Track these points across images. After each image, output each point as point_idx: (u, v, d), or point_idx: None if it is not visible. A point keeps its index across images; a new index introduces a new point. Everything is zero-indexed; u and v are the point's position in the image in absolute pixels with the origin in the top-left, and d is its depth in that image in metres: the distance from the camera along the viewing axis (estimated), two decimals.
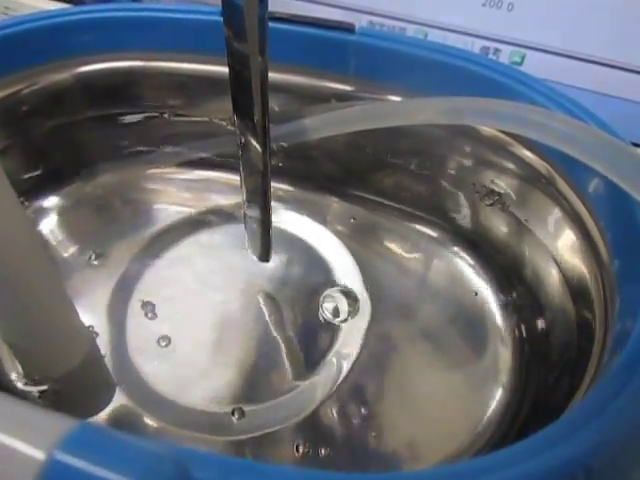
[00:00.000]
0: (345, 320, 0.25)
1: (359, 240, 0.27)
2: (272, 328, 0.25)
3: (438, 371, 0.22)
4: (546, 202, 0.20)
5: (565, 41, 0.26)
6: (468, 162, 0.24)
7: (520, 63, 0.28)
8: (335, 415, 0.21)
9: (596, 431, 0.12)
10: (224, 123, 0.28)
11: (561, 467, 0.11)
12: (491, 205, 0.23)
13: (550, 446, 0.12)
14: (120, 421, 0.20)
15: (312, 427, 0.21)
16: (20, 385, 0.19)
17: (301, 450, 0.20)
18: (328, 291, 0.26)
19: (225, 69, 0.26)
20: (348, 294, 0.26)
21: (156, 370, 0.22)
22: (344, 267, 0.27)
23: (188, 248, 0.27)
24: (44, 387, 0.17)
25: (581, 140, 0.17)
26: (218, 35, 0.25)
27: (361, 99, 0.25)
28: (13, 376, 0.19)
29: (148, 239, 0.27)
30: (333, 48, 0.23)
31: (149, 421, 0.21)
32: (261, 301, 0.26)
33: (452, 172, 0.25)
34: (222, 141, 0.27)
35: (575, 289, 0.18)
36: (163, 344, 0.23)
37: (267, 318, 0.25)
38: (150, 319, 0.24)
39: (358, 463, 0.20)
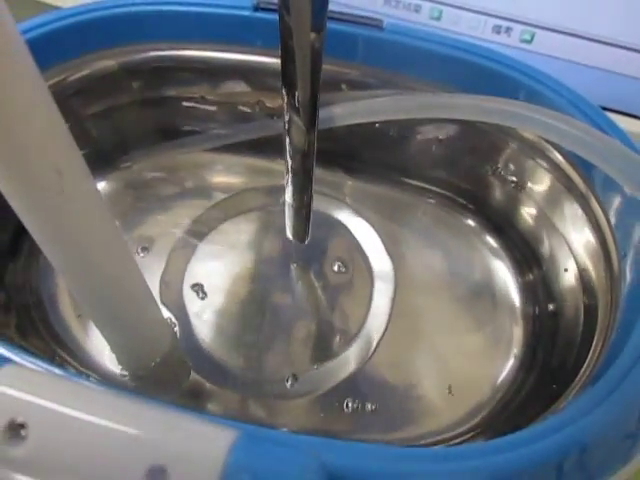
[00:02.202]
0: (371, 291, 0.28)
1: (383, 217, 0.30)
2: (308, 299, 0.27)
3: (459, 338, 0.26)
4: (570, 200, 0.23)
5: (573, 21, 0.28)
6: (504, 152, 0.26)
7: (530, 41, 0.29)
8: (376, 374, 0.25)
9: (594, 420, 0.15)
10: (248, 109, 0.29)
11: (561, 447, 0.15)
12: (515, 191, 0.26)
13: (557, 429, 0.15)
14: (194, 394, 0.23)
15: (357, 386, 0.24)
16: (117, 371, 0.22)
17: (350, 406, 0.24)
18: (355, 264, 0.29)
19: (252, 58, 0.28)
20: (373, 266, 0.28)
21: (216, 346, 0.25)
22: (369, 242, 0.29)
23: (227, 229, 0.29)
24: (138, 374, 0.20)
25: (595, 147, 0.19)
26: (246, 28, 0.26)
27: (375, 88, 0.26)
28: (110, 364, 0.22)
29: (189, 222, 0.29)
30: (361, 43, 0.25)
31: (216, 391, 0.24)
32: (295, 274, 0.28)
33: (486, 159, 0.27)
34: (256, 126, 0.29)
35: (586, 281, 0.22)
36: (217, 321, 0.26)
37: (302, 290, 0.28)
38: (202, 299, 0.27)
39: (399, 414, 0.24)
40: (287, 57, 0.18)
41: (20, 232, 0.26)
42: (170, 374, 0.21)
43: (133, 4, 0.24)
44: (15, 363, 0.13)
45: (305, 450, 0.12)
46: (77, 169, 0.14)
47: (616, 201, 0.20)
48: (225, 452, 0.12)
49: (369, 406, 0.24)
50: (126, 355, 0.19)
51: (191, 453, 0.12)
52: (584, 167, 0.22)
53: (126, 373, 0.21)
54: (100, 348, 0.24)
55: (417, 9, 0.30)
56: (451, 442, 0.23)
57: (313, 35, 0.17)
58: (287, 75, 0.18)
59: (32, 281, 0.26)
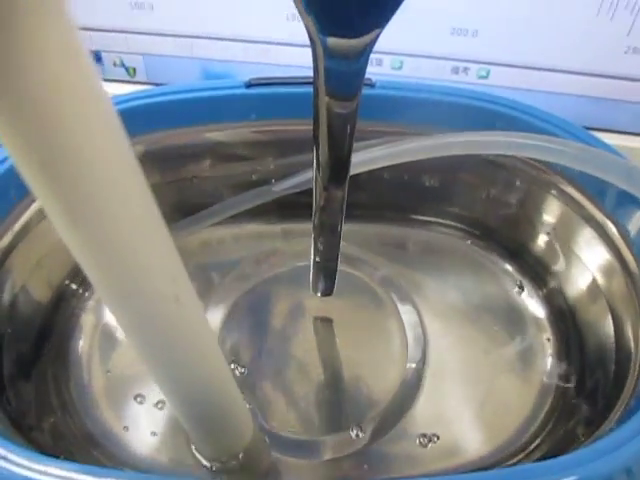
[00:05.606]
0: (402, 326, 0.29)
1: (392, 258, 0.31)
2: (343, 350, 0.28)
3: (497, 359, 0.27)
4: (580, 224, 0.26)
5: (521, 56, 0.31)
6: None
7: (486, 77, 0.32)
8: (433, 406, 0.25)
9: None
10: (247, 178, 0.30)
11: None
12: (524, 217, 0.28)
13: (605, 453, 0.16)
14: (278, 473, 0.23)
15: (417, 422, 0.25)
16: (204, 462, 0.21)
17: (422, 441, 0.24)
18: (380, 309, 0.30)
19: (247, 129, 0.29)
20: (398, 306, 0.30)
21: (271, 417, 0.25)
22: (388, 284, 0.30)
23: (246, 297, 0.29)
24: (230, 465, 0.19)
25: (591, 160, 0.22)
26: (241, 104, 0.27)
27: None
28: (197, 456, 0.22)
29: (208, 299, 0.29)
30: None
31: (291, 462, 0.23)
32: (322, 329, 0.29)
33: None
34: (253, 194, 0.29)
35: (608, 296, 0.24)
36: (263, 393, 0.26)
37: (337, 342, 0.28)
38: (242, 374, 0.26)
39: (463, 441, 0.25)
40: (314, 118, 0.18)
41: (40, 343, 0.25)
42: (257, 458, 0.21)
43: (147, 96, 0.25)
44: None
45: None
46: (184, 272, 0.14)
47: (633, 217, 0.23)
48: None
49: (436, 439, 0.24)
50: (219, 446, 0.19)
51: None
52: (594, 192, 0.25)
53: (209, 465, 0.21)
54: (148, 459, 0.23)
55: (379, 62, 0.33)
56: (516, 459, 0.25)
57: (331, 101, 0.17)
58: (314, 135, 0.19)
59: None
